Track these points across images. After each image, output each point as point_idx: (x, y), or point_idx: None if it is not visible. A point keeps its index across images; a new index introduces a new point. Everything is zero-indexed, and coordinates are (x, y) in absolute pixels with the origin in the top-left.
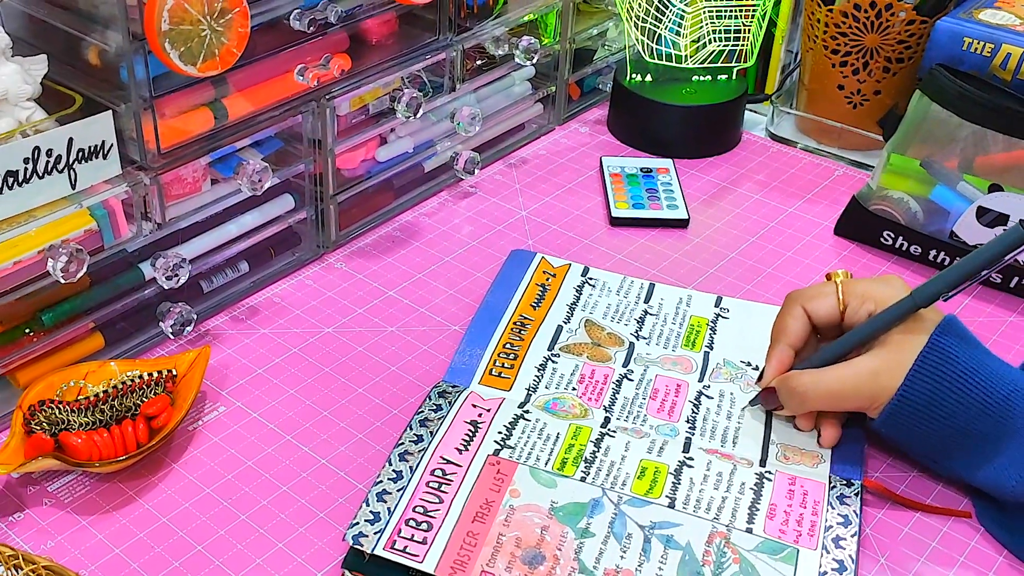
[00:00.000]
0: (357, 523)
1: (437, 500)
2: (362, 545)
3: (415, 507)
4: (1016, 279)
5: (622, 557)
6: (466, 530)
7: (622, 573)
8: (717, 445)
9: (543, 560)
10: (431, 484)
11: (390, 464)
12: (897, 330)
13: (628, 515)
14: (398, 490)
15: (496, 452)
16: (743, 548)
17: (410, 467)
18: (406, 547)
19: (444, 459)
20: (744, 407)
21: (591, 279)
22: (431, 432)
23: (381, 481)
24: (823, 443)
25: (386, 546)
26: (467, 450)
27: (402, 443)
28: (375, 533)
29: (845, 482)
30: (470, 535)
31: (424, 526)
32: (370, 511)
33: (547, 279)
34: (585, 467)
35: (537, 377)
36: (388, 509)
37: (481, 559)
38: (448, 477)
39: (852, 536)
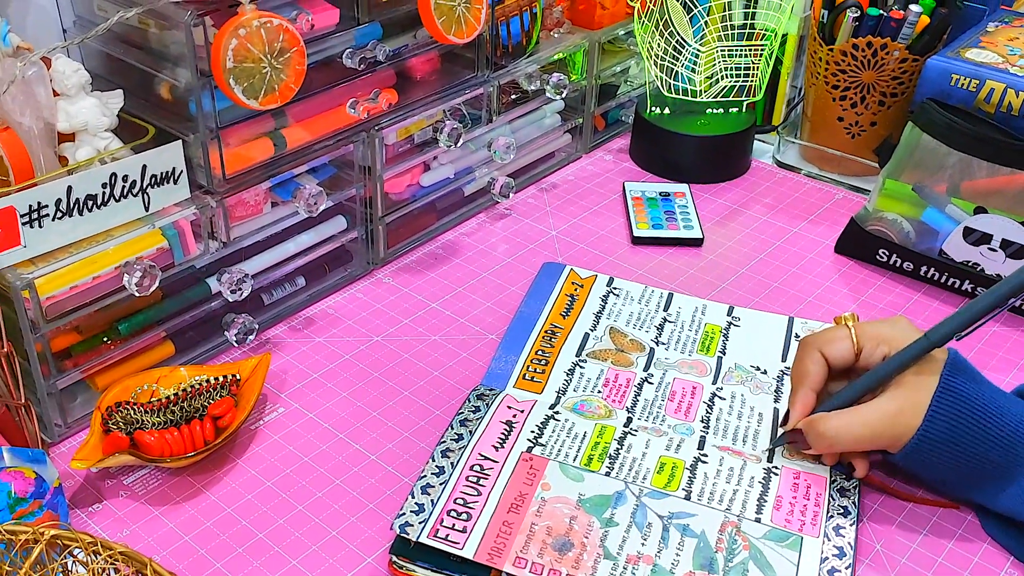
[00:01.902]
0: (403, 513)
1: (476, 493)
2: (408, 533)
3: (456, 499)
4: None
5: (643, 544)
6: (502, 520)
7: (643, 559)
8: (729, 443)
9: (572, 547)
10: (470, 478)
11: (433, 460)
12: (910, 371)
13: (648, 506)
14: (440, 484)
15: (529, 449)
16: (752, 536)
17: (451, 463)
18: (448, 535)
19: (482, 456)
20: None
21: (615, 289)
22: (470, 431)
23: (425, 475)
24: (857, 475)
25: (430, 534)
26: (503, 447)
27: (444, 441)
28: (420, 523)
29: (844, 476)
30: (506, 524)
31: (464, 516)
32: (415, 503)
33: (575, 289)
34: (609, 463)
35: (566, 381)
36: (431, 501)
37: (516, 546)
38: (486, 472)
39: (851, 525)
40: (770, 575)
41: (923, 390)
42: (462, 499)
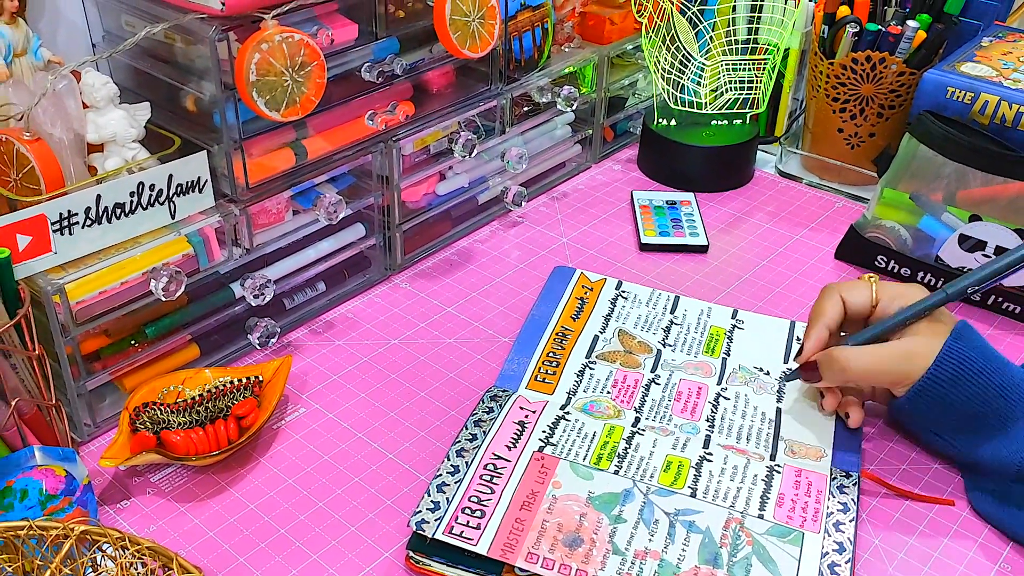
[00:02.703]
0: (420, 511)
1: (489, 491)
2: (424, 530)
3: (470, 497)
4: (992, 297)
5: (650, 540)
6: (515, 517)
7: (650, 554)
8: (733, 441)
9: (581, 543)
10: (484, 477)
11: (448, 459)
12: (925, 321)
13: (655, 503)
14: (455, 482)
15: (541, 449)
16: (756, 532)
17: (466, 462)
18: (462, 532)
19: (495, 455)
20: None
21: (624, 292)
22: (484, 431)
23: (440, 474)
24: (851, 424)
25: (445, 531)
26: (515, 447)
27: (459, 441)
28: (435, 519)
29: (844, 474)
30: (518, 521)
31: (478, 513)
32: (431, 500)
33: (585, 292)
34: (618, 461)
35: (576, 382)
36: (447, 499)
37: (528, 542)
38: (499, 471)
39: (850, 521)
40: (773, 570)
41: (937, 335)
42: (476, 497)
